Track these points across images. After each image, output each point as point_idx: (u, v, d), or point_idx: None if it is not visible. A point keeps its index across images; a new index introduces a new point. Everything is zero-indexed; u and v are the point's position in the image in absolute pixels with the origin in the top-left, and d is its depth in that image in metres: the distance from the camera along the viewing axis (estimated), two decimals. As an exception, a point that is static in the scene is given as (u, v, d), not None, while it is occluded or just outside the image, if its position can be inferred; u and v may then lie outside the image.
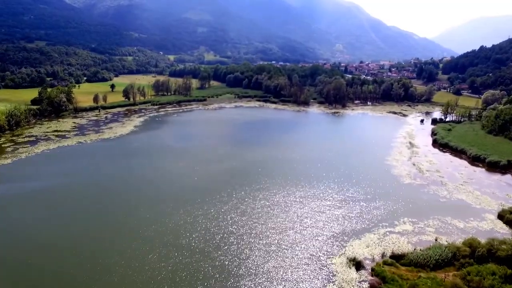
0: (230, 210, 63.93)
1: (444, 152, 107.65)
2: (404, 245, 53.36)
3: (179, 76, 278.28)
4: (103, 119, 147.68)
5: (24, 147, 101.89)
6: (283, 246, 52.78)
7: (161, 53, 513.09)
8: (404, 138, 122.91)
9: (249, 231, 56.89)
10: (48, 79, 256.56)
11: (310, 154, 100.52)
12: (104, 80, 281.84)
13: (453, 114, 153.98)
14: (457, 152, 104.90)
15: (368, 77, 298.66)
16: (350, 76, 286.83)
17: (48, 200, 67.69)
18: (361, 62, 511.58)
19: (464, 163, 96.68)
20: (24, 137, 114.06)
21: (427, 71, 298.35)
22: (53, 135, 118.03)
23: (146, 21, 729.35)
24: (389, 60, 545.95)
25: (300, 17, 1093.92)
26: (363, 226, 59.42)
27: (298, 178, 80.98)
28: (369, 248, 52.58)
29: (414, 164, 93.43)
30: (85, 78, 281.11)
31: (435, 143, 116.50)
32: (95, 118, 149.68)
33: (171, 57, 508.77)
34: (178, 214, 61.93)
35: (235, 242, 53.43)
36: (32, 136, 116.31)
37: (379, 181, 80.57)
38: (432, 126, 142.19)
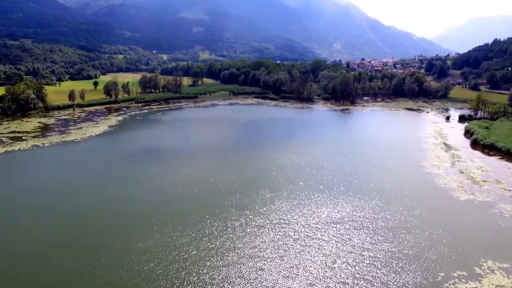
0: (222, 250, 42.10)
1: (490, 154, 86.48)
2: (511, 318, 31.87)
3: (170, 74, 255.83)
4: (75, 118, 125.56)
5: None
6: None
7: (154, 51, 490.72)
8: (435, 139, 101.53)
9: (249, 289, 35.16)
10: (28, 77, 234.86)
11: (326, 161, 78.97)
12: (89, 78, 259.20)
13: (484, 110, 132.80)
14: (509, 155, 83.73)
15: (374, 73, 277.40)
16: (356, 71, 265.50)
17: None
18: (363, 59, 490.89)
19: (525, 169, 75.52)
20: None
21: (437, 66, 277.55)
22: (7, 137, 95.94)
23: (142, 20, 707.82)
24: (392, 57, 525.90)
25: (297, 16, 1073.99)
26: (429, 276, 37.78)
27: (316, 194, 59.33)
28: (455, 324, 31.00)
29: (461, 172, 72.01)
30: (68, 76, 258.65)
31: (475, 144, 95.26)
32: (66, 117, 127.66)
33: (165, 56, 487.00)
34: (139, 258, 40.06)
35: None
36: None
37: (425, 196, 59.09)
38: (462, 124, 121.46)
